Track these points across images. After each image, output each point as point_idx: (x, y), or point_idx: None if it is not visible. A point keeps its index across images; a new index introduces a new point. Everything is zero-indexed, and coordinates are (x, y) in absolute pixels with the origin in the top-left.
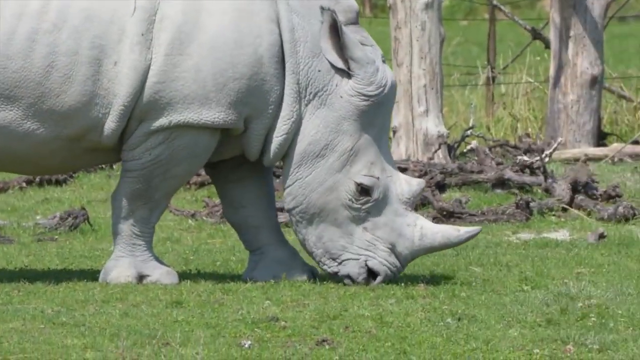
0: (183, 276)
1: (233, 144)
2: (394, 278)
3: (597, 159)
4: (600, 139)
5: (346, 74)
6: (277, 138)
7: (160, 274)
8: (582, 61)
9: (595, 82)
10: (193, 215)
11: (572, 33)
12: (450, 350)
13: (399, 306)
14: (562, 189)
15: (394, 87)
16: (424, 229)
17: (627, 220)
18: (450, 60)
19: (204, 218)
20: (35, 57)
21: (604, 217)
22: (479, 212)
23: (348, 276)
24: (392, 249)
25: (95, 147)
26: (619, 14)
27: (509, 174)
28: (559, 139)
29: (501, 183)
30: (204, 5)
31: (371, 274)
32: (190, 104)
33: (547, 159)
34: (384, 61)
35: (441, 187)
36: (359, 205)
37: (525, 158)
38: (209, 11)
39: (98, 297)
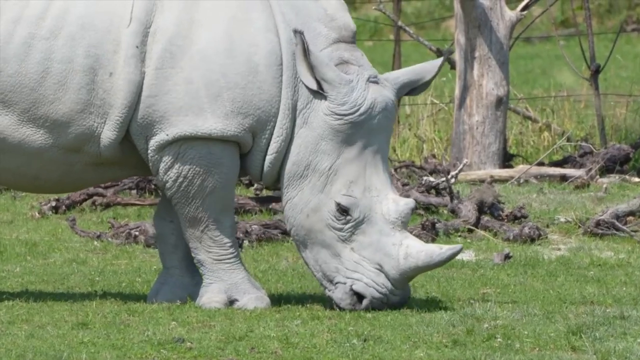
0: (88, 297)
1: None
2: (388, 300)
3: (502, 180)
4: (506, 160)
5: (322, 95)
6: (269, 156)
7: (249, 299)
8: (488, 82)
9: (501, 103)
10: (99, 237)
11: (477, 54)
12: None
13: (305, 327)
14: (468, 210)
15: (380, 107)
16: (409, 248)
17: (532, 240)
18: None
19: (110, 239)
20: (30, 63)
21: (509, 238)
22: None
23: (333, 300)
24: (380, 270)
25: (97, 161)
26: (525, 34)
27: (414, 194)
28: (465, 160)
29: None
30: (197, 17)
31: (357, 296)
32: (185, 116)
33: (453, 180)
34: (374, 82)
35: None
36: (341, 225)
37: (431, 179)
38: (201, 22)
39: (4, 318)
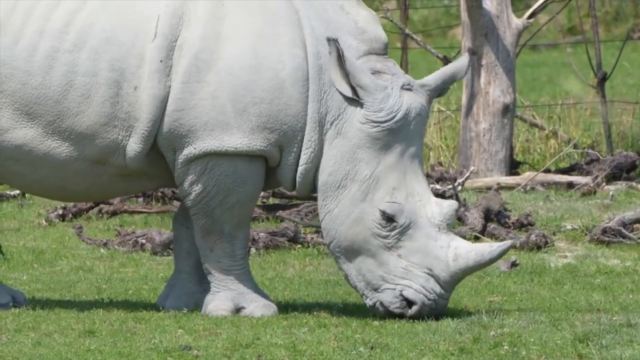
0: (95, 305)
1: (271, 173)
2: (437, 305)
3: (509, 188)
4: (513, 167)
5: (357, 102)
6: (300, 167)
7: (256, 306)
8: (494, 90)
9: (507, 111)
10: (105, 244)
11: (484, 61)
12: None
13: (312, 335)
14: (474, 217)
15: (415, 113)
16: (458, 249)
17: (539, 248)
18: None
19: (116, 247)
20: (54, 75)
21: (516, 246)
22: None
23: (381, 303)
24: (430, 274)
25: (123, 172)
26: (531, 42)
27: None
28: (471, 168)
29: None
30: (223, 31)
31: (409, 303)
32: (211, 130)
33: (459, 188)
34: (408, 89)
35: None
36: (387, 233)
37: (438, 187)
38: (228, 37)
39: (10, 326)
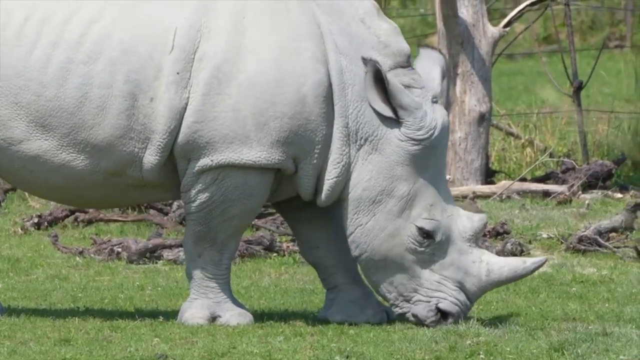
0: (71, 313)
1: (287, 184)
2: (464, 317)
3: (485, 196)
4: (488, 176)
5: (395, 120)
6: (328, 181)
7: (231, 315)
8: (470, 98)
9: (483, 120)
10: (81, 253)
11: (459, 70)
12: None
13: (288, 344)
14: None
15: (445, 127)
16: (490, 264)
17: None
18: None
19: (92, 255)
20: (69, 87)
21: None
22: None
23: (416, 316)
24: (461, 287)
25: (140, 183)
26: (507, 51)
27: None
28: (447, 177)
29: None
30: (245, 45)
31: (442, 314)
32: (230, 143)
33: None
34: (435, 101)
35: None
36: (423, 249)
37: None
38: (250, 50)
39: None
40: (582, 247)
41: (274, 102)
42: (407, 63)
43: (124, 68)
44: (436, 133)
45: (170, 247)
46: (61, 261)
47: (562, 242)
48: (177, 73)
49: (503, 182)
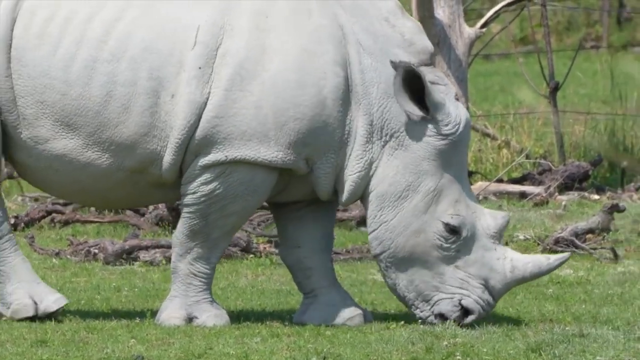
0: (47, 315)
1: (302, 184)
2: (486, 315)
3: None
4: None
5: (426, 118)
6: (350, 177)
7: (208, 316)
8: None
9: None
10: (57, 254)
11: None
12: None
13: (264, 345)
14: None
15: (468, 123)
16: (514, 261)
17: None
18: None
19: (69, 257)
20: (94, 86)
21: None
22: (344, 250)
23: (441, 314)
24: (485, 285)
25: (159, 182)
26: (484, 51)
27: None
28: None
29: (365, 221)
30: (268, 44)
31: (465, 312)
32: (248, 140)
33: None
34: (457, 99)
35: None
36: (449, 245)
37: None
38: (273, 50)
39: None
40: (559, 249)
41: (296, 103)
42: (430, 61)
43: (146, 65)
44: (461, 128)
45: (146, 248)
46: (38, 262)
47: (538, 244)
48: (199, 68)
49: (479, 183)
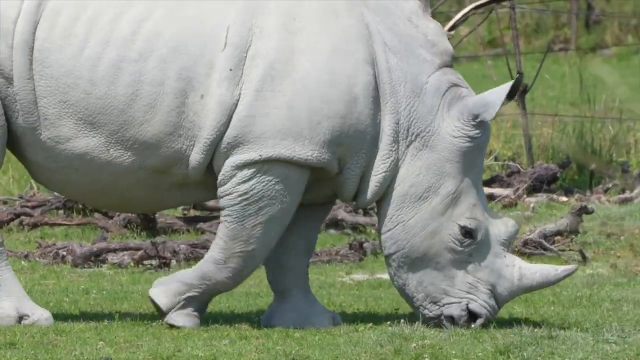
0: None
1: (323, 186)
2: (490, 320)
3: None
4: None
5: (448, 115)
6: (376, 177)
7: (178, 314)
8: None
9: None
10: (26, 256)
11: None
12: None
13: (233, 347)
14: None
15: (488, 127)
16: (523, 269)
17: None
18: None
19: (37, 259)
20: (120, 85)
21: None
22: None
23: (450, 318)
24: (492, 291)
25: (183, 182)
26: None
27: (342, 214)
28: None
29: (334, 223)
30: (297, 45)
31: (472, 316)
32: (282, 139)
33: None
34: None
35: None
36: (462, 248)
37: None
38: (303, 51)
39: None
40: (527, 251)
41: (328, 102)
42: (450, 63)
43: (175, 66)
44: (486, 131)
45: (114, 250)
46: None
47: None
48: (230, 69)
49: None
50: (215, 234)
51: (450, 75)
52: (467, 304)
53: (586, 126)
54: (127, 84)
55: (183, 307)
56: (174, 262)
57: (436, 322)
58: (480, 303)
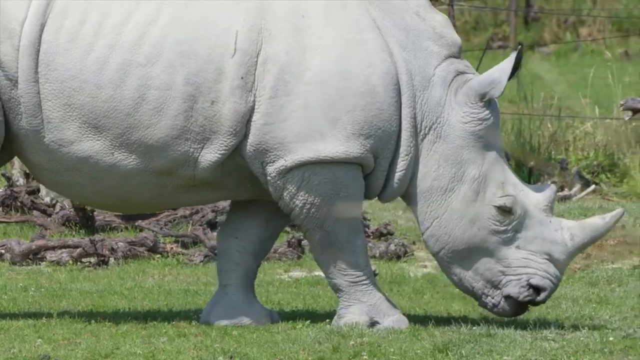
0: None
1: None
2: (556, 289)
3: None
4: None
5: (455, 102)
6: (397, 174)
7: (390, 321)
8: None
9: None
10: None
11: None
12: None
13: (171, 344)
14: None
15: (497, 107)
16: (572, 229)
17: (398, 257)
18: None
19: None
20: (126, 89)
21: (375, 255)
22: None
23: (508, 296)
24: (549, 259)
25: (189, 183)
26: None
27: None
28: None
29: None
30: (307, 41)
31: (535, 290)
32: (304, 142)
33: None
34: None
35: (213, 225)
36: (505, 227)
37: None
38: (314, 48)
39: None
40: None
41: (344, 96)
42: (459, 54)
43: (183, 70)
44: (493, 110)
45: (53, 248)
46: None
47: None
48: (242, 78)
49: None
50: (154, 231)
51: (456, 64)
52: (527, 281)
53: (524, 123)
54: (133, 87)
55: (381, 310)
56: (112, 259)
57: (498, 309)
58: (541, 275)
